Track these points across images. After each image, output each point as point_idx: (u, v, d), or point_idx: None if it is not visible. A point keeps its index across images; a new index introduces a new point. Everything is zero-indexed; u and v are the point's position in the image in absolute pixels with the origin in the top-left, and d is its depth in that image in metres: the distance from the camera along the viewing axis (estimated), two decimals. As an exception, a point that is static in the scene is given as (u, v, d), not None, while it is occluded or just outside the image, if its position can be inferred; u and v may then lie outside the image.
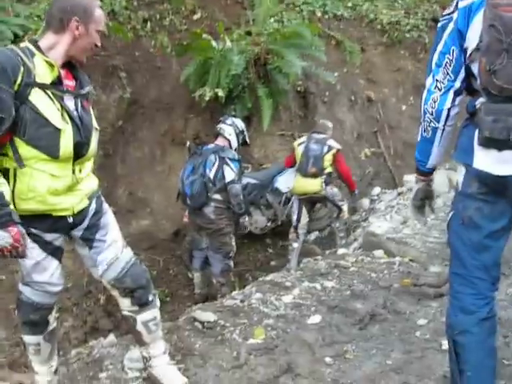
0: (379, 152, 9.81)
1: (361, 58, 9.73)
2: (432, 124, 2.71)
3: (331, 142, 7.52)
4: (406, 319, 4.18)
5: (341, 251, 6.49)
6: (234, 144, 6.49)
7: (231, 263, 6.62)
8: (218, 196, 6.20)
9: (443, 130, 2.72)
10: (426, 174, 2.98)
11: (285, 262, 7.78)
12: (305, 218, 7.63)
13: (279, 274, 5.44)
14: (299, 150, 7.53)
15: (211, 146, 6.44)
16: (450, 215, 2.79)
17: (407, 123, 9.89)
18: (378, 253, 5.78)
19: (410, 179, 8.13)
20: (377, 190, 9.18)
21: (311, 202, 7.65)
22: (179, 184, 6.49)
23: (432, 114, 2.70)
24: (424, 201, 3.08)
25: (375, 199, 8.77)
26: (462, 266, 2.71)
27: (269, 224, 7.97)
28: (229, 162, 6.16)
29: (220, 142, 6.47)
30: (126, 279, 3.16)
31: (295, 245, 7.64)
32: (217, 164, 6.16)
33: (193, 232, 6.88)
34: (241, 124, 6.69)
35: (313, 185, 7.38)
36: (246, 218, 6.67)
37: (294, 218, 7.61)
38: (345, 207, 7.61)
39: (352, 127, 9.52)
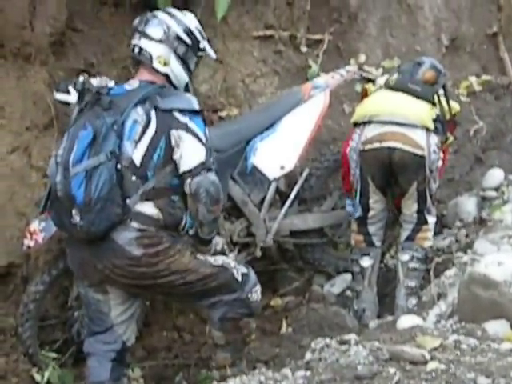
0: (502, 83, 6.73)
1: None
2: None
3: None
4: None
5: (406, 321, 4.26)
6: (180, 74, 3.91)
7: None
8: (148, 206, 3.69)
9: None
10: None
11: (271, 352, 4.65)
12: (378, 201, 4.83)
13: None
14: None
15: (133, 84, 3.85)
16: None
17: None
18: (496, 327, 3.83)
19: None
20: (495, 175, 5.97)
21: (384, 164, 4.68)
22: (50, 178, 3.79)
23: None
24: None
25: (491, 198, 5.76)
26: None
27: (231, 255, 4.68)
28: (183, 119, 3.70)
29: (146, 75, 3.86)
30: None
31: (365, 262, 4.90)
32: (153, 128, 3.70)
33: (84, 285, 4.01)
34: (186, 19, 3.97)
35: (415, 108, 4.64)
36: (219, 245, 4.00)
37: (357, 197, 4.85)
38: (431, 219, 4.80)
39: (436, 21, 6.36)
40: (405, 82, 4.80)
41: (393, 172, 4.73)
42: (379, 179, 4.74)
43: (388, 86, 4.87)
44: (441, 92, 4.81)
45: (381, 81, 5.03)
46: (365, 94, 5.10)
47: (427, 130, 4.62)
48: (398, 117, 4.64)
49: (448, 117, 4.84)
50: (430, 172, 4.68)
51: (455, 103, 5.10)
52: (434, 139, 4.62)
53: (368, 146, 4.61)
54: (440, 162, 4.77)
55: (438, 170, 4.79)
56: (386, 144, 4.57)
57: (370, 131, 4.60)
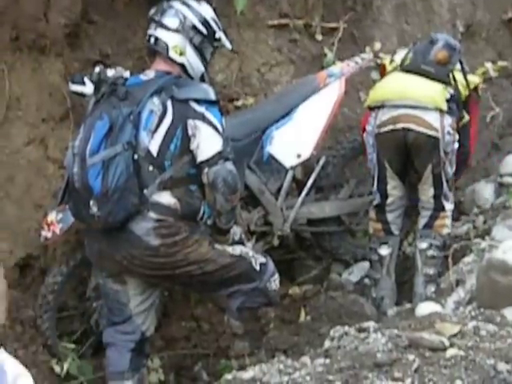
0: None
1: None
2: None
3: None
4: None
5: (424, 308, 4.19)
6: (196, 64, 3.81)
7: None
8: (166, 196, 3.60)
9: None
10: None
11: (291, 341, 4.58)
12: (396, 187, 4.74)
13: (271, 367, 3.32)
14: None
15: (149, 74, 3.77)
16: None
17: None
18: (516, 313, 3.79)
19: None
20: (512, 160, 6.05)
21: (399, 146, 4.59)
22: (68, 170, 3.71)
23: None
24: None
25: (508, 184, 5.56)
26: None
27: (249, 244, 4.53)
28: (199, 109, 3.62)
29: (162, 65, 3.77)
30: None
31: (384, 250, 4.79)
32: (169, 118, 3.61)
33: (102, 276, 3.94)
34: (202, 9, 3.86)
35: (427, 90, 4.51)
36: (237, 235, 3.93)
37: (374, 184, 4.76)
38: (449, 205, 4.69)
39: (451, 7, 6.23)
40: (418, 63, 4.65)
41: (409, 155, 4.60)
42: (396, 163, 4.63)
43: (402, 66, 4.68)
44: (458, 67, 4.61)
45: (397, 58, 4.83)
46: (383, 70, 4.94)
47: (441, 111, 4.46)
48: (410, 100, 4.52)
49: (467, 92, 4.66)
50: (445, 154, 4.55)
51: (474, 76, 4.91)
52: (448, 120, 4.49)
53: (383, 129, 4.52)
54: (456, 145, 4.58)
55: (453, 153, 4.61)
56: (400, 125, 4.48)
57: (384, 115, 4.51)
